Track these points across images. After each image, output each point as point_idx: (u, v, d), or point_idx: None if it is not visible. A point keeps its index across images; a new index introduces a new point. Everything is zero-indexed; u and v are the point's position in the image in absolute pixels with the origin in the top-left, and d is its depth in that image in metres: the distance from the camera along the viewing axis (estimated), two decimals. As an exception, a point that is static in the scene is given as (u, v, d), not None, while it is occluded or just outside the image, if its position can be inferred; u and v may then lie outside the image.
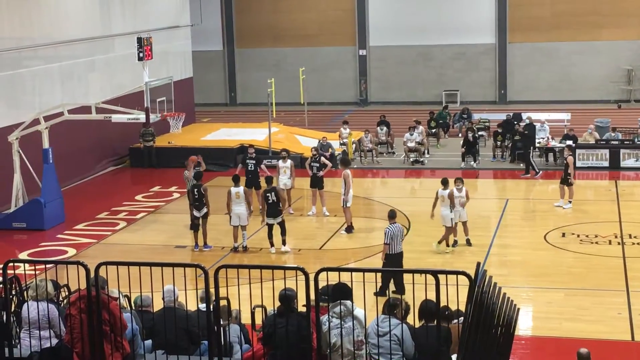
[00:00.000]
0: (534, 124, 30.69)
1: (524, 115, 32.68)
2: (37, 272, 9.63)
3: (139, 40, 23.89)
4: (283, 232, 20.78)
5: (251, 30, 45.76)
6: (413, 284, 8.41)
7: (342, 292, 9.00)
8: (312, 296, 8.49)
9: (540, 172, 28.54)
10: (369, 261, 19.96)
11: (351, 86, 45.28)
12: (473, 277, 8.28)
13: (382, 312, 9.08)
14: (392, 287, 15.81)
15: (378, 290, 13.83)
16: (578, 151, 29.06)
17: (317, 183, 24.30)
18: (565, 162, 24.83)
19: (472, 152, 30.27)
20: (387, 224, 17.56)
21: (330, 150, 29.63)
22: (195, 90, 39.88)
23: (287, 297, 9.33)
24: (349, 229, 22.35)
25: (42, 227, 23.54)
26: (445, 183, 20.71)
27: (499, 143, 31.36)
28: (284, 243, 20.81)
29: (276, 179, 23.76)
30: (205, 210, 21.17)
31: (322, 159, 24.72)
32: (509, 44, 43.24)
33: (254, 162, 24.49)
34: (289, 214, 23.75)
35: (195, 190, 21.28)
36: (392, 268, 16.64)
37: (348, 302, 8.99)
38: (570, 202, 24.31)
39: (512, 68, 43.35)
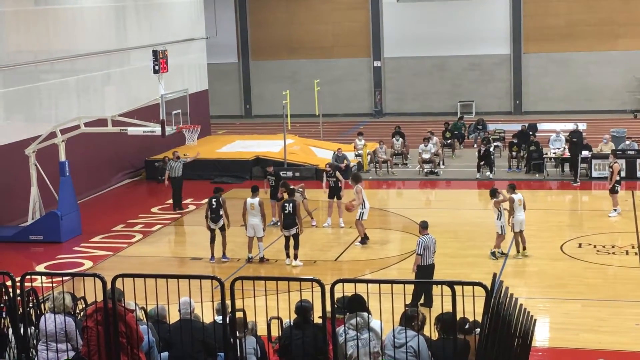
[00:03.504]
0: (580, 130, 30.63)
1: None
2: (54, 284, 9.68)
3: (155, 53, 23.99)
4: (295, 246, 20.76)
5: (266, 42, 45.90)
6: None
7: (357, 303, 8.99)
8: (328, 308, 8.48)
9: (580, 181, 28.51)
10: (384, 272, 19.95)
11: (366, 97, 45.32)
12: (489, 288, 8.26)
13: (399, 323, 9.06)
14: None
15: (410, 302, 13.75)
16: (594, 161, 28.97)
17: (335, 192, 24.37)
18: (610, 169, 24.67)
19: (488, 163, 30.24)
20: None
21: (345, 161, 29.64)
22: (210, 102, 40.00)
23: (304, 309, 9.33)
24: (364, 240, 22.35)
25: (59, 240, 23.64)
26: (514, 187, 20.97)
27: (514, 154, 31.30)
28: (295, 257, 20.79)
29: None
30: (222, 222, 21.20)
31: (337, 173, 24.80)
32: (524, 54, 43.18)
33: (274, 177, 24.58)
34: (311, 225, 23.93)
35: (213, 200, 21.31)
36: (423, 279, 16.51)
37: (364, 314, 8.98)
38: (615, 210, 24.27)
39: (527, 78, 43.28)
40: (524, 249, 20.76)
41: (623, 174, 28.48)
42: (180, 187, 27.22)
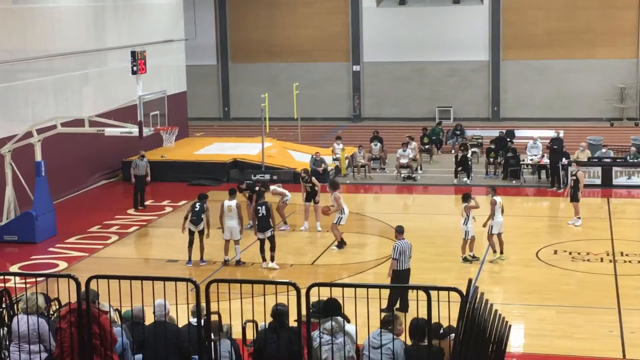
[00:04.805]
0: (561, 138, 31.06)
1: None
2: (27, 285, 9.60)
3: (133, 53, 23.88)
4: (272, 248, 20.73)
5: (245, 45, 45.83)
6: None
7: (332, 307, 8.98)
8: (304, 312, 8.46)
9: (563, 188, 28.60)
10: (360, 277, 19.95)
11: (345, 102, 45.34)
12: (465, 293, 8.27)
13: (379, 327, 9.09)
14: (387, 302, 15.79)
15: (386, 307, 13.82)
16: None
17: (312, 196, 24.33)
18: (574, 178, 24.76)
19: (465, 168, 30.33)
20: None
21: (323, 165, 29.65)
22: (189, 104, 39.89)
23: (280, 313, 9.31)
24: (341, 245, 22.33)
25: (34, 240, 23.47)
26: (495, 190, 21.56)
27: (491, 160, 31.42)
28: (272, 259, 20.75)
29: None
30: (202, 226, 21.10)
31: (313, 179, 24.77)
32: (503, 61, 43.37)
33: (248, 191, 24.26)
34: (279, 230, 23.76)
35: (197, 204, 21.21)
36: (399, 284, 16.53)
37: (339, 318, 8.97)
38: (579, 218, 24.36)
39: (506, 85, 43.47)
40: (501, 252, 20.87)
41: (599, 181, 28.83)
42: (143, 185, 27.73)
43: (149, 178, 27.91)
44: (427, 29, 43.55)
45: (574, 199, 24.43)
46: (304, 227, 24.39)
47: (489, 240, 20.99)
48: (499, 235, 20.91)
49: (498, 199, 21.01)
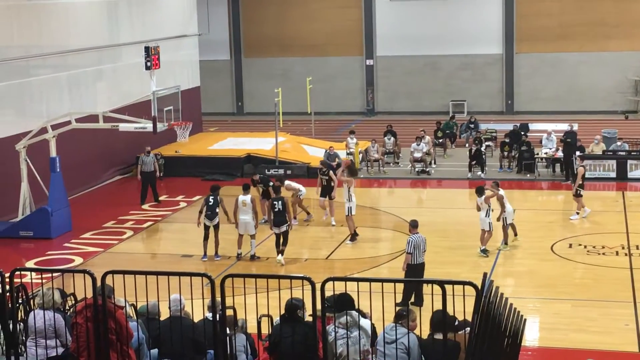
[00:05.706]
0: (575, 131, 31.03)
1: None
2: (43, 280, 9.64)
3: (147, 49, 23.93)
4: (284, 242, 20.73)
5: (258, 39, 45.86)
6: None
7: (345, 302, 8.98)
8: (319, 306, 8.47)
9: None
10: (375, 271, 19.95)
11: (358, 96, 45.32)
12: (480, 287, 8.26)
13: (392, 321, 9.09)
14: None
15: (400, 301, 13.82)
16: (585, 162, 29.00)
17: (327, 191, 24.29)
18: (575, 172, 24.75)
19: (479, 162, 30.27)
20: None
21: (337, 160, 29.61)
22: (202, 99, 39.94)
23: (292, 306, 9.32)
24: (353, 237, 22.32)
25: (49, 236, 23.56)
26: (498, 184, 22.00)
27: (505, 153, 31.34)
28: (281, 253, 20.72)
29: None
30: (217, 220, 21.15)
31: (331, 172, 24.71)
32: (516, 55, 43.24)
33: (262, 184, 24.25)
34: (303, 221, 23.73)
35: (211, 197, 21.25)
36: (414, 278, 16.53)
37: (354, 313, 8.98)
38: (577, 213, 24.31)
39: (519, 78, 43.34)
40: (515, 234, 21.42)
41: (614, 174, 28.71)
42: (153, 181, 27.64)
43: (161, 173, 27.92)
44: (441, 22, 43.47)
45: (575, 194, 24.38)
46: (326, 216, 24.25)
47: (504, 231, 21.08)
48: (511, 223, 21.34)
49: (502, 191, 21.35)
